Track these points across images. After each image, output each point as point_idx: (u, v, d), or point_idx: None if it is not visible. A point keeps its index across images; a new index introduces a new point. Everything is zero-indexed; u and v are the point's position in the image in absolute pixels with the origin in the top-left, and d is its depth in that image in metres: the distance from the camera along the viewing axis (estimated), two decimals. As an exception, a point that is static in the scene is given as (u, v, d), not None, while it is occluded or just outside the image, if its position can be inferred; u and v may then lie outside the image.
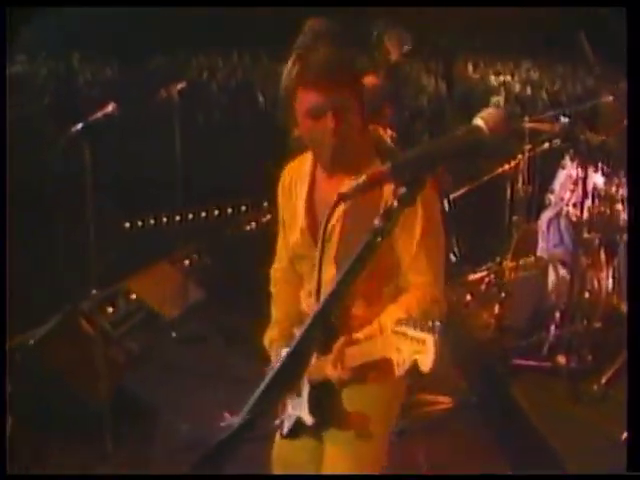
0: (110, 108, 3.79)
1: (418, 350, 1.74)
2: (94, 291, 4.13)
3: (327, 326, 2.33)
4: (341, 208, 2.24)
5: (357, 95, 2.29)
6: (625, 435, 3.73)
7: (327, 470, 2.50)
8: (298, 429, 2.53)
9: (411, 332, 1.77)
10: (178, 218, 6.37)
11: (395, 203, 1.40)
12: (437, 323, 1.71)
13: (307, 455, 2.59)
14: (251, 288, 5.36)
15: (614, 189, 4.36)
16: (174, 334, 5.42)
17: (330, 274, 2.26)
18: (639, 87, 2.61)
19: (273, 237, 2.74)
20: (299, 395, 2.47)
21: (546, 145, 4.97)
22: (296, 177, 2.52)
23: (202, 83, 9.23)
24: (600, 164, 4.51)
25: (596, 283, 4.61)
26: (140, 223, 7.02)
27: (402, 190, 1.40)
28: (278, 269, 2.71)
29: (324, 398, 2.42)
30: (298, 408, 2.49)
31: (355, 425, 2.43)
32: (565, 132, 4.59)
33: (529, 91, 9.56)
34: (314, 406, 2.43)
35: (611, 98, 4.93)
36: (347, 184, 1.51)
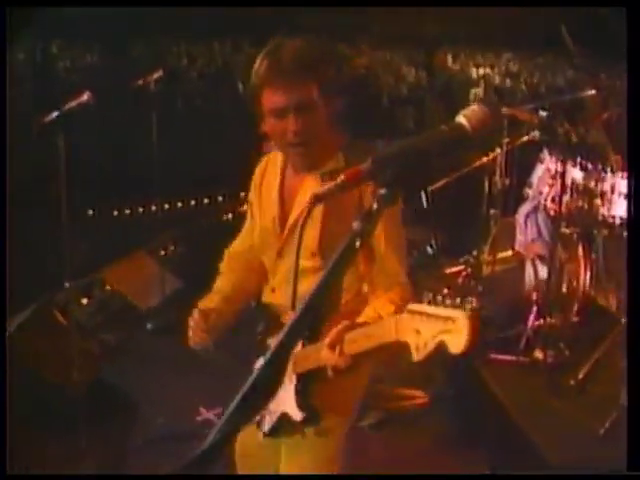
0: (85, 97, 3.73)
1: (446, 329, 1.57)
2: (67, 284, 4.04)
3: (314, 313, 2.32)
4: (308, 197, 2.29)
5: (323, 93, 2.29)
6: (603, 430, 3.77)
7: (284, 466, 2.49)
8: (281, 426, 2.44)
9: (436, 310, 1.62)
10: (154, 208, 6.31)
11: (375, 205, 1.35)
12: (470, 299, 1.62)
13: (267, 450, 2.55)
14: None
15: (593, 183, 4.35)
16: (150, 325, 5.37)
17: (310, 264, 2.29)
18: (639, 87, 2.59)
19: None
20: (282, 389, 2.37)
21: (524, 138, 4.96)
22: (269, 169, 2.54)
23: (182, 70, 9.14)
24: (579, 158, 4.50)
25: (574, 277, 4.62)
26: (116, 213, 6.95)
27: (382, 191, 1.36)
28: (236, 251, 2.69)
29: (312, 390, 2.34)
30: (282, 403, 2.39)
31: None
32: (544, 125, 4.58)
33: (509, 83, 9.57)
34: (302, 400, 2.33)
35: (592, 91, 4.93)
36: (322, 185, 1.47)
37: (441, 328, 1.58)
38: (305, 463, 2.45)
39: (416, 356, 1.67)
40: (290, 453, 2.50)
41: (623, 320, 4.35)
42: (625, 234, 4.42)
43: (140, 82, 5.10)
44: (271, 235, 2.47)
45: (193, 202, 7.26)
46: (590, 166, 4.41)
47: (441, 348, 1.60)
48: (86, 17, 7.95)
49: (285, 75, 2.23)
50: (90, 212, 6.75)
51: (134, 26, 8.15)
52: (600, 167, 4.36)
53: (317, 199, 1.47)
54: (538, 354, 4.41)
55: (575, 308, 4.61)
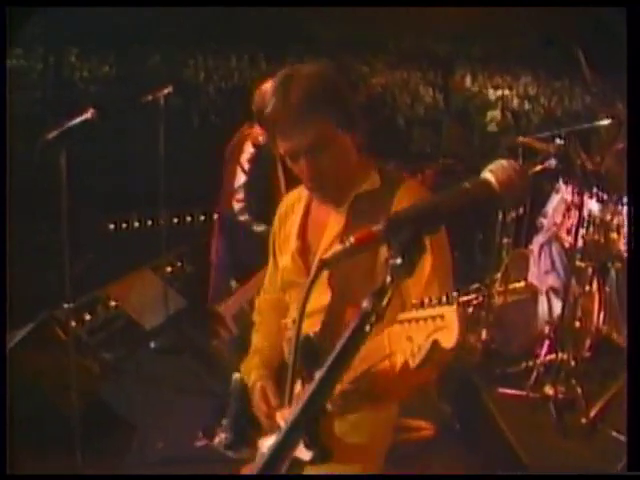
0: (89, 114, 3.65)
1: (437, 327, 1.51)
2: (66, 305, 3.97)
3: (310, 347, 2.19)
4: (338, 229, 2.22)
5: (339, 126, 2.14)
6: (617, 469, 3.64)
7: None
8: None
9: (423, 312, 1.54)
10: (162, 222, 6.23)
11: (388, 278, 1.21)
12: (453, 293, 1.48)
13: None
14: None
15: (609, 217, 4.25)
16: (153, 344, 5.28)
17: (323, 301, 2.21)
18: (639, 89, 2.51)
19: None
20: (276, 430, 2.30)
21: (539, 167, 4.85)
22: (292, 204, 2.45)
23: (198, 84, 9.11)
24: (595, 189, 4.40)
25: (587, 312, 4.50)
26: (124, 225, 6.87)
27: (398, 261, 1.22)
28: (265, 300, 2.61)
29: (318, 428, 2.17)
30: None
31: (354, 456, 2.29)
32: (559, 153, 4.47)
33: (527, 106, 9.49)
34: (310, 438, 2.19)
35: (608, 120, 4.84)
36: (335, 250, 1.35)
37: (431, 327, 1.51)
38: None
39: (412, 363, 1.58)
40: None
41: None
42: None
43: (150, 97, 5.03)
44: (293, 272, 2.35)
45: (202, 217, 7.16)
46: (606, 197, 4.31)
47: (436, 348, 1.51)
48: (102, 28, 7.96)
49: (292, 117, 2.08)
50: (98, 226, 6.67)
51: (150, 38, 8.13)
52: (616, 198, 4.25)
53: (324, 264, 1.36)
54: (548, 390, 4.28)
55: (588, 344, 4.49)
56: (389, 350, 1.71)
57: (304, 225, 2.36)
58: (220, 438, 3.93)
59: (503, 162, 1.32)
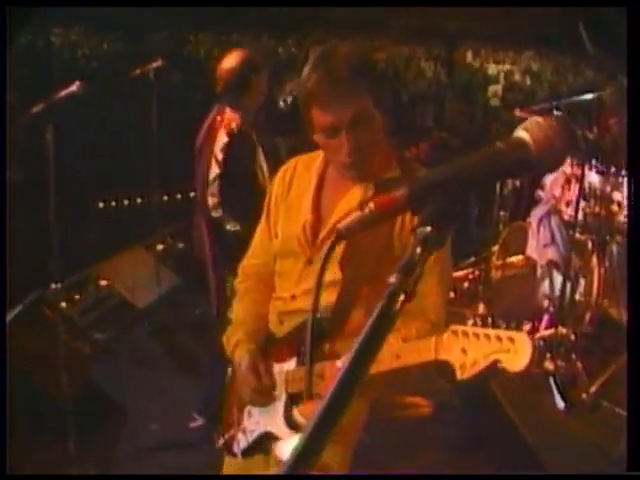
0: (75, 87, 3.53)
1: (504, 349, 1.57)
2: (54, 285, 3.87)
3: (317, 329, 2.17)
4: (352, 205, 2.11)
5: (376, 106, 2.13)
6: (618, 452, 3.60)
7: None
8: (257, 446, 2.35)
9: (487, 330, 1.63)
10: (153, 200, 6.13)
11: (418, 249, 1.07)
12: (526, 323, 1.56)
13: (260, 471, 2.42)
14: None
15: (609, 189, 4.17)
16: (147, 325, 5.21)
17: (331, 276, 2.15)
18: (639, 87, 2.44)
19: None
20: (272, 401, 2.29)
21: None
22: (302, 172, 2.39)
23: (200, 60, 8.99)
24: (595, 162, 4.31)
25: (588, 286, 4.44)
26: (114, 203, 6.77)
27: (426, 230, 1.07)
28: (252, 265, 2.54)
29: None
30: (266, 423, 2.30)
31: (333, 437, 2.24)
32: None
33: (529, 81, 9.39)
34: (292, 418, 2.23)
35: (609, 92, 4.74)
36: (346, 219, 1.25)
37: (496, 347, 1.58)
38: None
39: (460, 374, 1.65)
40: None
41: (638, 332, 4.19)
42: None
43: (138, 71, 4.90)
44: (297, 243, 2.31)
45: (192, 194, 7.06)
46: (607, 170, 4.23)
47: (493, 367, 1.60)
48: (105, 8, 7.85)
49: (338, 90, 2.06)
50: (85, 205, 6.56)
51: (151, 15, 8.01)
52: (618, 171, 4.17)
53: (340, 235, 1.26)
54: (548, 365, 4.22)
55: (588, 318, 4.42)
56: (435, 356, 1.74)
57: (317, 198, 2.32)
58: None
59: (539, 119, 1.16)
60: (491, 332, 1.61)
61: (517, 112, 4.89)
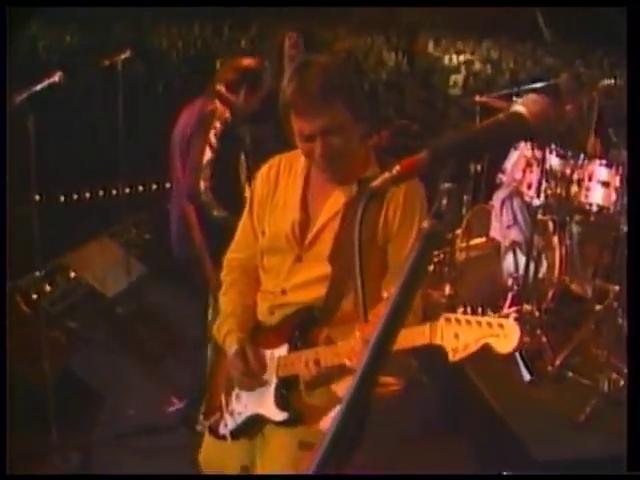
0: (57, 77, 3.57)
1: (494, 333, 1.76)
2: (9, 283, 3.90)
3: (308, 318, 2.33)
4: (338, 206, 2.34)
5: (350, 114, 2.27)
6: (583, 416, 3.79)
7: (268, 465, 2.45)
8: (246, 428, 2.46)
9: (476, 318, 1.80)
10: (115, 192, 6.15)
11: (444, 201, 1.23)
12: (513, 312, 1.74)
13: (243, 455, 2.53)
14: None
15: (569, 171, 4.35)
16: (119, 310, 5.25)
17: (317, 272, 2.33)
18: (639, 87, 2.56)
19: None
20: (261, 386, 2.39)
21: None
22: (286, 170, 2.49)
23: (162, 52, 8.97)
24: (554, 145, 4.50)
25: (550, 264, 4.63)
26: (75, 197, 6.75)
27: (448, 185, 1.24)
28: (235, 259, 2.63)
29: (294, 392, 2.36)
30: (255, 405, 2.41)
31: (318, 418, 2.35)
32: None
33: (489, 70, 9.58)
34: (284, 401, 2.35)
35: (564, 78, 4.94)
36: (379, 177, 1.37)
37: (486, 332, 1.77)
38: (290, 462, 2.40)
39: (453, 356, 1.84)
40: (268, 464, 2.46)
41: (597, 307, 4.38)
42: (592, 219, 4.48)
43: (107, 62, 4.92)
44: (286, 241, 2.41)
45: (155, 186, 7.11)
46: (566, 152, 4.42)
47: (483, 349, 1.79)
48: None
49: (311, 101, 2.22)
50: (52, 197, 6.54)
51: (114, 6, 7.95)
52: (575, 155, 4.36)
53: (375, 191, 1.37)
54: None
55: (550, 295, 4.61)
56: (429, 340, 1.89)
57: (304, 198, 2.42)
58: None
59: (534, 96, 1.36)
60: (482, 319, 1.79)
61: (477, 98, 5.08)
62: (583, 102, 4.72)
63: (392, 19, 9.26)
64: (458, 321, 1.82)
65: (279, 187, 2.48)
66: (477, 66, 9.81)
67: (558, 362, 4.18)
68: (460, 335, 1.80)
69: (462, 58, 9.88)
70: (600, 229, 4.60)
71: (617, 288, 4.28)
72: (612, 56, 7.52)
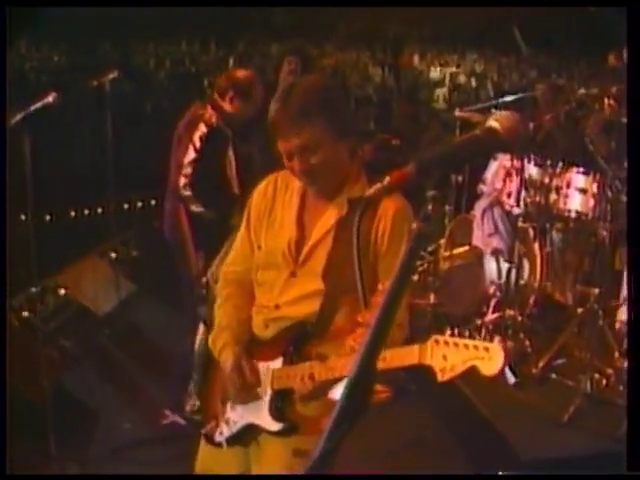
0: (51, 98, 3.66)
1: (479, 356, 1.81)
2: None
3: (302, 333, 2.39)
4: (330, 223, 2.41)
5: (334, 130, 2.34)
6: (567, 416, 3.90)
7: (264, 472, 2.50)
8: (241, 436, 2.52)
9: (463, 340, 1.85)
10: (100, 210, 6.21)
11: (430, 206, 1.39)
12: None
13: (238, 462, 2.59)
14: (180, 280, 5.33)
15: (547, 179, 4.49)
16: (107, 330, 5.31)
17: (311, 287, 2.39)
18: (639, 87, 2.65)
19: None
20: (256, 399, 2.44)
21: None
22: (283, 187, 2.55)
23: (149, 71, 9.04)
24: (532, 155, 4.64)
25: (531, 271, 4.76)
26: (61, 215, 6.81)
27: (433, 192, 1.40)
28: (232, 272, 2.68)
29: (288, 404, 2.41)
30: (251, 415, 2.47)
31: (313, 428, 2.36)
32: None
33: (474, 83, 9.68)
34: (278, 412, 2.41)
35: (541, 89, 5.09)
36: (376, 187, 1.50)
37: (473, 355, 1.83)
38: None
39: (441, 377, 1.88)
40: (264, 471, 2.51)
41: (579, 310, 4.50)
42: (578, 226, 4.60)
43: (95, 83, 5.01)
44: (281, 257, 2.46)
45: (140, 204, 7.20)
46: (544, 161, 4.55)
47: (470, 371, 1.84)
48: (54, 17, 7.80)
49: (290, 120, 2.30)
50: (39, 217, 6.59)
51: (101, 26, 8.02)
52: (553, 163, 4.49)
53: (368, 200, 1.51)
54: (497, 344, 4.48)
55: (532, 300, 4.73)
56: (418, 361, 1.94)
57: (300, 216, 2.48)
58: (190, 405, 4.07)
59: (506, 112, 1.53)
60: (469, 342, 1.84)
61: (457, 112, 5.22)
62: (561, 112, 4.88)
63: (378, 33, 9.36)
64: (446, 343, 1.88)
65: (276, 204, 2.54)
66: (461, 79, 9.90)
67: (541, 365, 4.30)
68: (448, 357, 1.86)
69: (447, 71, 9.97)
70: (580, 235, 4.74)
71: (597, 291, 4.38)
72: (593, 67, 7.68)
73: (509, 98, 5.01)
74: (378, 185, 1.47)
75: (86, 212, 6.77)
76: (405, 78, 9.66)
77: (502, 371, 1.81)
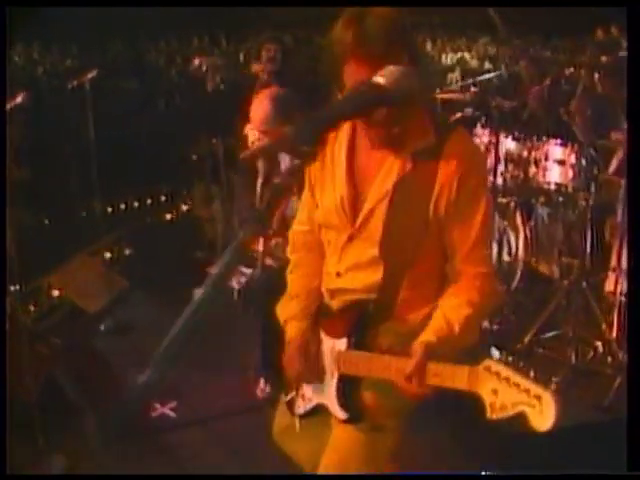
0: (20, 99, 3.67)
1: (530, 403, 1.67)
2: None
3: (364, 314, 2.22)
4: (388, 184, 2.14)
5: (412, 65, 2.00)
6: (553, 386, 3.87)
7: (334, 455, 2.31)
8: (315, 414, 2.38)
9: (516, 379, 1.72)
10: (97, 210, 6.25)
11: (295, 161, 1.38)
12: (555, 381, 1.64)
13: (312, 437, 2.45)
14: (174, 277, 5.36)
15: (526, 153, 4.46)
16: (102, 327, 5.33)
17: (369, 255, 2.19)
18: (639, 87, 2.62)
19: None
20: (320, 382, 2.32)
21: (458, 114, 5.07)
22: (331, 138, 2.25)
23: (159, 69, 9.05)
24: (512, 130, 4.62)
25: (515, 246, 4.73)
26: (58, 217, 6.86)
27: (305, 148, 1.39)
28: (299, 232, 2.49)
29: (354, 392, 2.25)
30: (320, 396, 2.34)
31: (382, 419, 2.25)
32: (476, 100, 4.68)
33: (487, 66, 9.47)
34: (345, 400, 2.25)
35: (522, 65, 5.07)
36: (252, 148, 1.50)
37: (524, 400, 1.68)
38: (354, 456, 2.29)
39: (490, 413, 1.75)
40: (336, 445, 2.33)
41: (565, 282, 4.45)
42: (560, 199, 4.57)
43: (75, 82, 5.06)
44: (337, 217, 2.24)
45: (136, 203, 7.24)
46: (523, 136, 4.53)
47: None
48: (63, 18, 7.86)
49: (373, 45, 1.94)
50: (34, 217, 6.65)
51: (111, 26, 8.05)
52: (538, 139, 4.46)
53: (244, 159, 1.51)
54: (484, 322, 4.47)
55: (517, 275, 4.70)
56: (468, 387, 1.80)
57: (351, 170, 2.22)
58: (260, 390, 4.06)
59: (392, 67, 1.55)
60: (520, 381, 1.69)
61: (438, 94, 5.20)
62: (544, 87, 4.86)
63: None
64: (498, 375, 1.73)
65: (326, 157, 2.26)
66: (473, 63, 9.72)
67: (527, 339, 4.27)
68: (499, 392, 1.72)
69: (458, 56, 9.77)
70: (563, 208, 4.71)
71: (580, 262, 4.34)
72: (579, 41, 7.55)
73: (487, 75, 4.97)
74: (256, 147, 1.50)
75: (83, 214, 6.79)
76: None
77: (552, 427, 1.64)
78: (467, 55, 9.98)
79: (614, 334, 4.25)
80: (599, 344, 4.21)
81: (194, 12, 8.70)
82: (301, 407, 2.42)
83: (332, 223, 2.27)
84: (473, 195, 2.08)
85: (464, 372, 1.82)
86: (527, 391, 1.68)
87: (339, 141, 2.23)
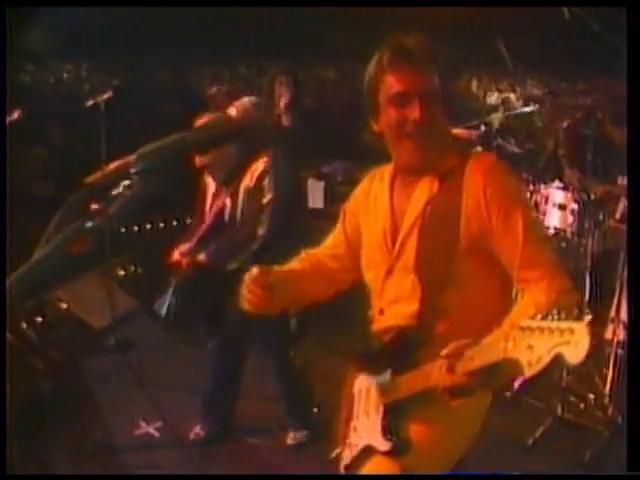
0: (15, 115, 3.74)
1: (564, 341, 1.56)
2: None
3: (406, 341, 2.20)
4: (420, 206, 2.20)
5: (443, 87, 2.17)
6: (532, 440, 3.75)
7: None
8: (359, 462, 2.32)
9: (550, 324, 1.60)
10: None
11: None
12: (584, 309, 1.53)
13: None
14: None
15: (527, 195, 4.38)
16: (109, 343, 5.38)
17: (408, 282, 2.20)
18: (639, 88, 2.58)
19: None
20: (366, 421, 2.30)
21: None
22: (377, 177, 2.39)
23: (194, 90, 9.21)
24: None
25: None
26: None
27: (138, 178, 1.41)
28: (315, 253, 2.55)
29: (400, 421, 2.20)
30: (365, 436, 2.30)
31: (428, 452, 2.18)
32: (481, 140, 4.64)
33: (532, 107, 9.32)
34: (390, 430, 2.21)
35: (536, 107, 5.02)
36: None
37: (557, 341, 1.57)
38: None
39: (528, 372, 1.63)
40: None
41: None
42: (563, 245, 4.48)
43: (90, 102, 5.14)
44: (379, 252, 2.30)
45: (149, 226, 7.31)
46: (528, 179, 4.45)
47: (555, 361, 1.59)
48: (107, 41, 8.04)
49: (410, 59, 2.11)
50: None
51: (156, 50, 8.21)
52: (533, 178, 4.40)
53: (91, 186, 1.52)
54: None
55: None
56: (504, 355, 1.71)
57: (391, 204, 2.30)
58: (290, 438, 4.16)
59: (245, 98, 1.53)
60: (554, 325, 1.59)
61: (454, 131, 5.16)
62: (560, 129, 4.79)
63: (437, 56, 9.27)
64: (532, 330, 1.62)
65: (370, 194, 2.38)
66: (519, 104, 9.58)
67: (516, 387, 4.15)
68: (534, 346, 1.61)
69: (503, 95, 9.65)
70: (564, 254, 4.60)
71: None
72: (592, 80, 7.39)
73: (496, 115, 4.92)
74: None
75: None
76: (460, 103, 9.47)
77: (587, 357, 1.53)
78: (512, 95, 9.81)
79: (607, 388, 4.11)
80: (591, 397, 4.08)
81: (239, 39, 8.74)
82: (347, 458, 2.38)
83: (375, 260, 2.31)
84: (503, 205, 2.08)
85: (498, 342, 1.73)
86: (560, 331, 1.57)
87: (383, 179, 2.33)
